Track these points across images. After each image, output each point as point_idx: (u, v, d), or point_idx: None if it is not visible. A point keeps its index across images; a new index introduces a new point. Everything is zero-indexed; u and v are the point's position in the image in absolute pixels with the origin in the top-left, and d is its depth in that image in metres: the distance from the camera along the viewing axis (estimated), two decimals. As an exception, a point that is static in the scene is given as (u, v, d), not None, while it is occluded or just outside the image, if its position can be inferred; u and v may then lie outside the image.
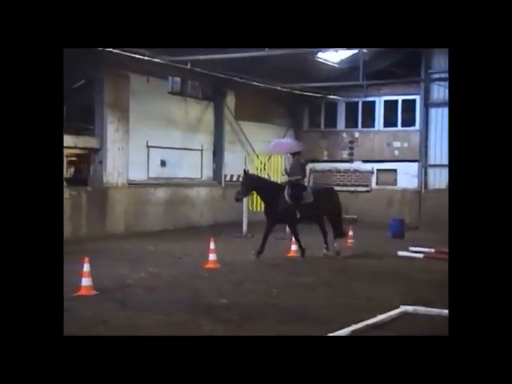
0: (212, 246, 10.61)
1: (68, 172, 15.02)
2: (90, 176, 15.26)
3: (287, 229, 15.60)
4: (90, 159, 15.26)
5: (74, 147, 14.77)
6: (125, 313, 6.99)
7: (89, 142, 15.06)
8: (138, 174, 16.26)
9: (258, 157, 17.14)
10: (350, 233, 14.15)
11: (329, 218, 12.30)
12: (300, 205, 11.50)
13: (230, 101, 19.39)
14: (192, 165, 18.37)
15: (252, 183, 11.81)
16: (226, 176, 19.00)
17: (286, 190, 11.54)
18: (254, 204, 16.27)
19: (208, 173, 19.11)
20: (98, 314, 6.86)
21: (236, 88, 18.87)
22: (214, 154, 19.20)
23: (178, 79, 17.64)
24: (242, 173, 18.83)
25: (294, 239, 12.01)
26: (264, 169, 16.57)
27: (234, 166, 19.00)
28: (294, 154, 12.20)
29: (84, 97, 15.34)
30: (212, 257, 10.54)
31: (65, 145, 14.37)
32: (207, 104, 18.96)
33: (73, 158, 15.30)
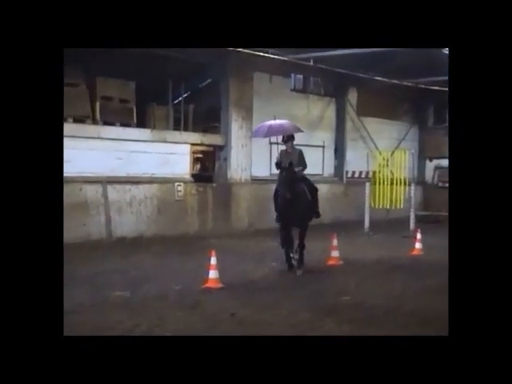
0: (335, 242, 10.62)
1: (194, 168, 15.59)
2: (215, 172, 15.77)
3: (411, 225, 15.29)
4: (215, 156, 15.78)
5: (201, 144, 15.34)
6: (250, 308, 7.17)
7: (214, 139, 15.57)
8: (260, 171, 16.56)
9: (380, 153, 16.88)
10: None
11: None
12: (315, 201, 9.95)
13: (352, 97, 19.21)
14: (313, 161, 18.24)
15: (291, 178, 9.36)
16: (347, 173, 18.87)
17: (303, 185, 9.62)
18: (377, 200, 16.05)
19: (329, 169, 19.07)
20: (225, 308, 7.10)
21: (358, 84, 18.66)
22: (336, 150, 19.12)
23: (300, 76, 17.77)
24: (363, 169, 18.90)
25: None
26: (387, 165, 16.29)
27: (356, 162, 18.82)
28: (287, 140, 9.83)
29: (210, 96, 15.87)
30: (334, 254, 10.56)
31: (191, 142, 15.00)
32: (329, 100, 18.92)
33: (199, 155, 15.85)
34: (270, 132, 10.09)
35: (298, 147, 10.02)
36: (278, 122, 10.34)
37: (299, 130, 10.33)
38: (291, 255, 9.58)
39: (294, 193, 9.25)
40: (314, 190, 9.93)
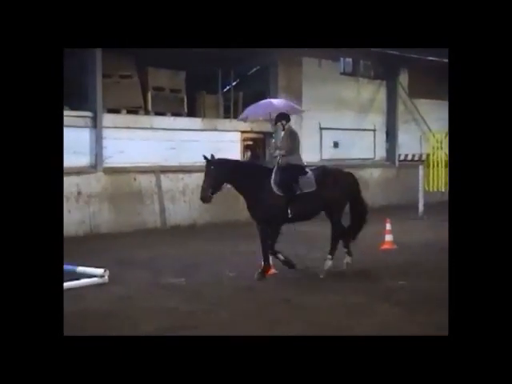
0: (388, 227, 10.52)
1: (245, 156, 15.67)
2: (265, 159, 15.80)
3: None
4: (265, 143, 15.82)
5: (251, 131, 15.39)
6: (304, 293, 7.20)
7: (264, 126, 15.56)
8: (311, 156, 16.46)
9: (434, 135, 16.57)
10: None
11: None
12: (295, 197, 7.95)
13: (404, 79, 18.89)
14: (365, 145, 18.24)
15: (223, 172, 7.86)
16: (399, 156, 18.62)
17: (272, 176, 8.00)
18: (431, 183, 15.78)
19: (381, 153, 18.85)
20: (280, 294, 7.15)
21: (409, 65, 18.33)
22: (387, 134, 18.88)
23: (349, 60, 17.58)
24: (416, 152, 18.58)
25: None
26: (441, 148, 15.98)
27: (409, 145, 18.56)
28: (276, 121, 8.23)
29: (259, 83, 15.89)
30: (388, 238, 10.47)
31: (242, 129, 15.07)
32: (379, 83, 18.66)
33: (249, 142, 15.93)
34: (258, 112, 8.95)
35: (291, 128, 8.36)
36: (267, 100, 9.36)
37: (295, 110, 8.63)
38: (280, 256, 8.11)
39: (250, 182, 7.95)
40: (294, 182, 8.01)
